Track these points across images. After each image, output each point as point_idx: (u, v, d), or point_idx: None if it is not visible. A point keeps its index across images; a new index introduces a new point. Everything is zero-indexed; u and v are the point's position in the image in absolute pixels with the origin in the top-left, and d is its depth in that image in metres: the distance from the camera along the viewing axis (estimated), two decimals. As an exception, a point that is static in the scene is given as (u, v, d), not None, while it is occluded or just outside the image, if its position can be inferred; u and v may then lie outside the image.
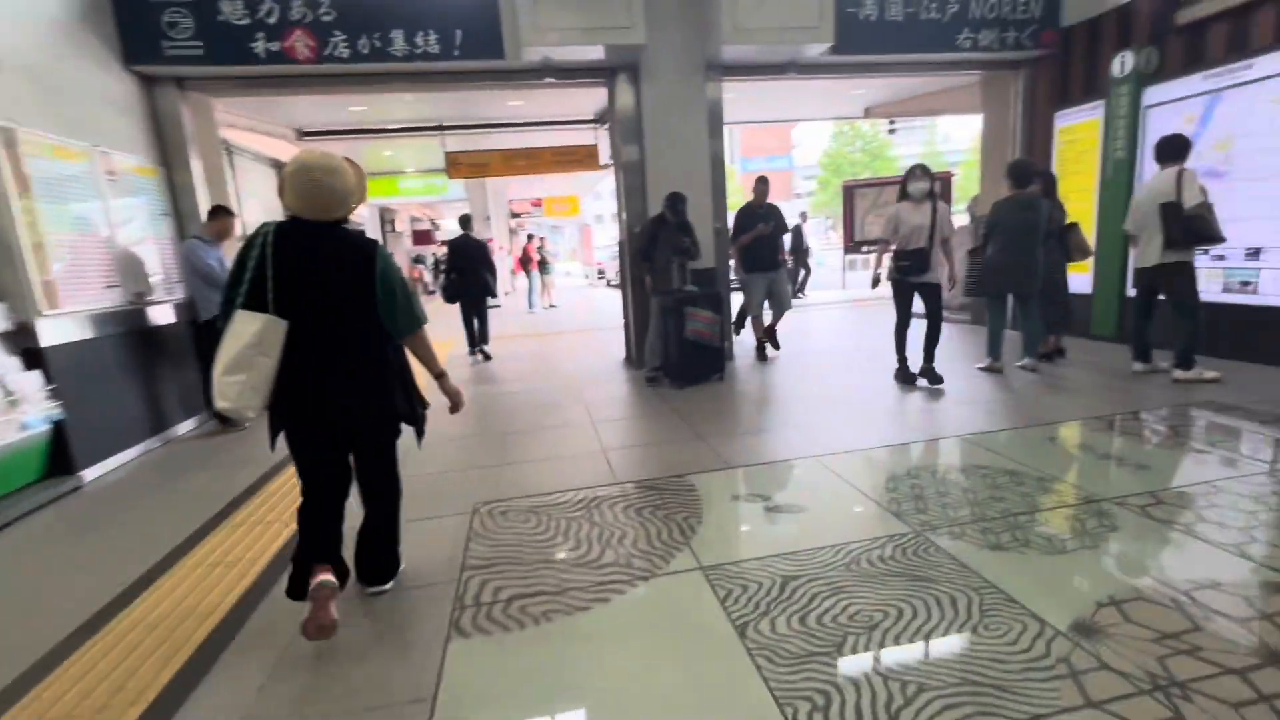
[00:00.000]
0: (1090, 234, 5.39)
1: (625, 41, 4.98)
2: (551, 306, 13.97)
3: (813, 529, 2.54)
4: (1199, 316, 4.26)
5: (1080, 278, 5.68)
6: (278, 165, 12.87)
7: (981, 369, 5.03)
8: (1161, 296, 4.40)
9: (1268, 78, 4.44)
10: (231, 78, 5.09)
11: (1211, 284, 4.81)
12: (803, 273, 12.62)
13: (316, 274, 1.88)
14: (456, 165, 9.55)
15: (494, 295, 7.57)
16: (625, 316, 6.39)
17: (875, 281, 4.93)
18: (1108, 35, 5.73)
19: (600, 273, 23.83)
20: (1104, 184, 5.66)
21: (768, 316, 6.01)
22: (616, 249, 23.46)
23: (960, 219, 10.47)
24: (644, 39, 5.01)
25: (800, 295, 12.18)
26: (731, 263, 6.05)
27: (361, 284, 1.93)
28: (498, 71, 5.49)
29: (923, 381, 4.69)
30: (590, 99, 8.84)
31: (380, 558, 2.23)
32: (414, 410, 2.16)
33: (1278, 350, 4.51)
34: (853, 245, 13.30)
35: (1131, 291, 5.36)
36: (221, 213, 4.75)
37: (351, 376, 1.96)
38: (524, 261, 13.42)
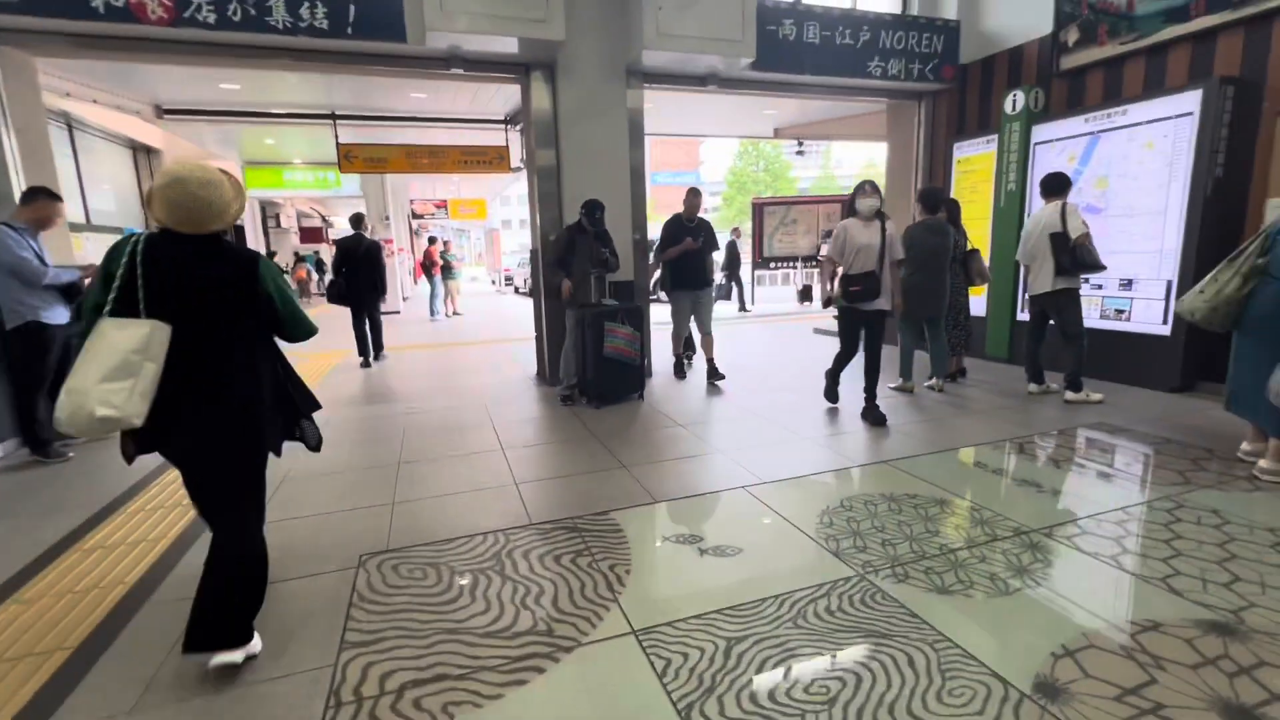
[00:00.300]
0: (986, 260, 5.67)
1: (541, 35, 4.64)
2: (456, 314, 13.20)
3: (753, 575, 2.31)
4: (1084, 342, 4.54)
5: (976, 301, 5.97)
6: (136, 147, 11.35)
7: (893, 389, 5.12)
8: (1051, 322, 4.67)
9: (1139, 124, 4.85)
10: (61, 34, 4.22)
11: (1091, 311, 5.18)
12: (735, 288, 12.53)
13: (191, 286, 1.80)
14: (350, 159, 8.73)
15: (382, 298, 7.41)
16: (538, 329, 6.00)
17: (826, 302, 4.60)
18: (1000, 74, 6.11)
19: (508, 279, 23.05)
20: (997, 213, 6.00)
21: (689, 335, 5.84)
22: (527, 256, 22.71)
23: None
24: (562, 35, 4.69)
25: (745, 311, 12.12)
26: (655, 276, 5.84)
27: (240, 298, 1.86)
28: (398, 57, 4.96)
29: (860, 423, 4.23)
30: (502, 98, 8.40)
31: (237, 617, 1.85)
32: (298, 418, 2.11)
33: (1147, 373, 4.91)
34: (761, 261, 13.64)
35: (1023, 316, 5.71)
36: (40, 195, 3.88)
37: (219, 389, 1.86)
38: (426, 266, 12.57)
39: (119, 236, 10.79)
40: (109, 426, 1.67)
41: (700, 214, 5.43)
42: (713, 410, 4.74)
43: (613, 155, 5.46)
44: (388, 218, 13.77)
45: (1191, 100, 4.49)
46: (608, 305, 4.86)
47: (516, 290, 22.89)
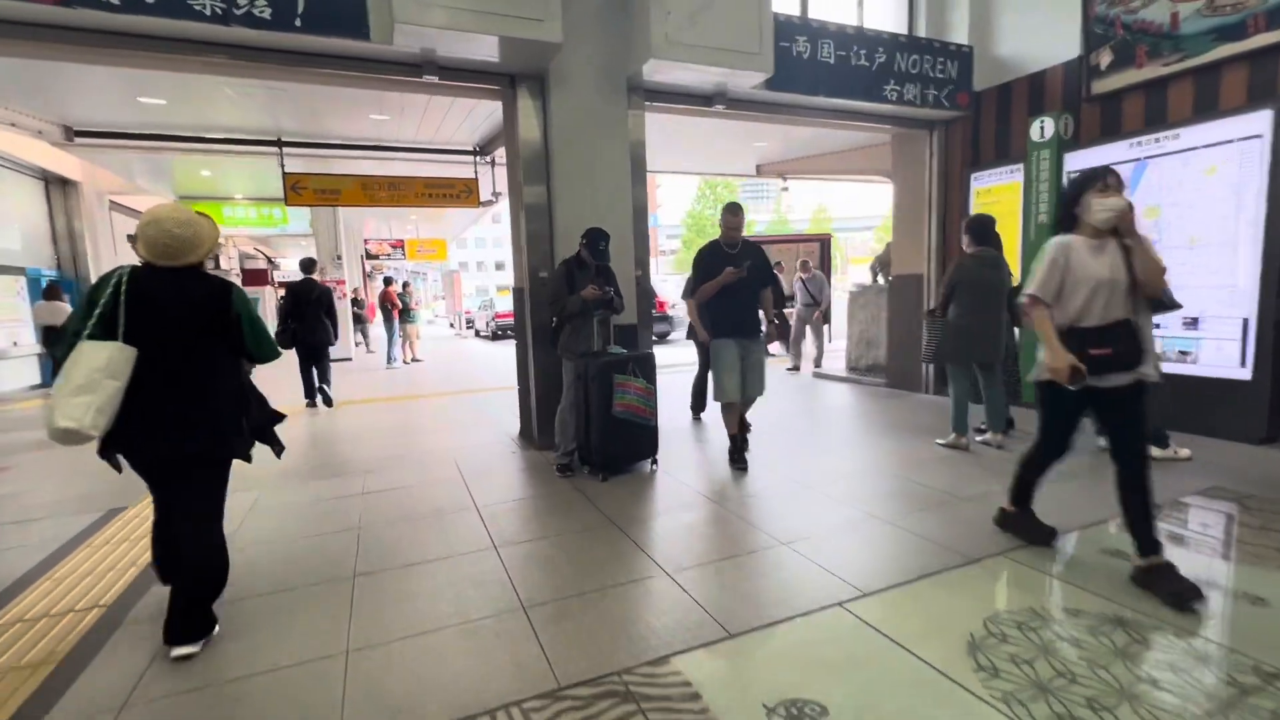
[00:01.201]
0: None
1: (535, 36, 3.91)
2: (415, 360, 12.09)
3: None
4: (1164, 390, 3.95)
5: None
6: (50, 179, 10.07)
7: (943, 445, 4.42)
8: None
9: (1195, 148, 4.43)
10: (-93, 14, 3.26)
11: (1149, 352, 4.64)
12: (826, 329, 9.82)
13: (168, 312, 2.04)
14: (299, 190, 7.76)
15: (331, 344, 7.09)
16: (522, 381, 5.09)
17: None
18: (1019, 100, 5.72)
19: (469, 322, 21.98)
20: (1027, 247, 5.51)
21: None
22: (490, 298, 21.75)
23: (861, 278, 10.51)
24: (559, 37, 3.97)
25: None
26: (676, 321, 4.96)
27: (213, 321, 2.11)
28: (358, 60, 4.15)
29: (940, 498, 3.50)
30: (470, 126, 7.65)
31: (194, 610, 2.14)
32: (264, 430, 2.33)
33: (1224, 422, 4.36)
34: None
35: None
36: None
37: (195, 404, 2.08)
38: (384, 308, 11.48)
39: (15, 279, 9.47)
40: (71, 438, 1.88)
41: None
42: (749, 480, 3.91)
43: (613, 185, 4.72)
44: (340, 257, 12.68)
45: (1261, 122, 4.07)
46: (614, 354, 4.03)
47: (478, 334, 21.85)
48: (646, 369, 4.06)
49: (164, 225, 2.03)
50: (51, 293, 8.83)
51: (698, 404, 5.72)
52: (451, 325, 27.33)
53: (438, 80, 4.33)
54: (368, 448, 5.07)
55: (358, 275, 17.64)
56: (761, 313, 4.17)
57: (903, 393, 6.66)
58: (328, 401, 7.01)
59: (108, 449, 2.04)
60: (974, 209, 6.05)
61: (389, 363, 11.39)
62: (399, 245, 18.34)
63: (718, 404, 4.15)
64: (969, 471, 3.88)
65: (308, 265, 7.50)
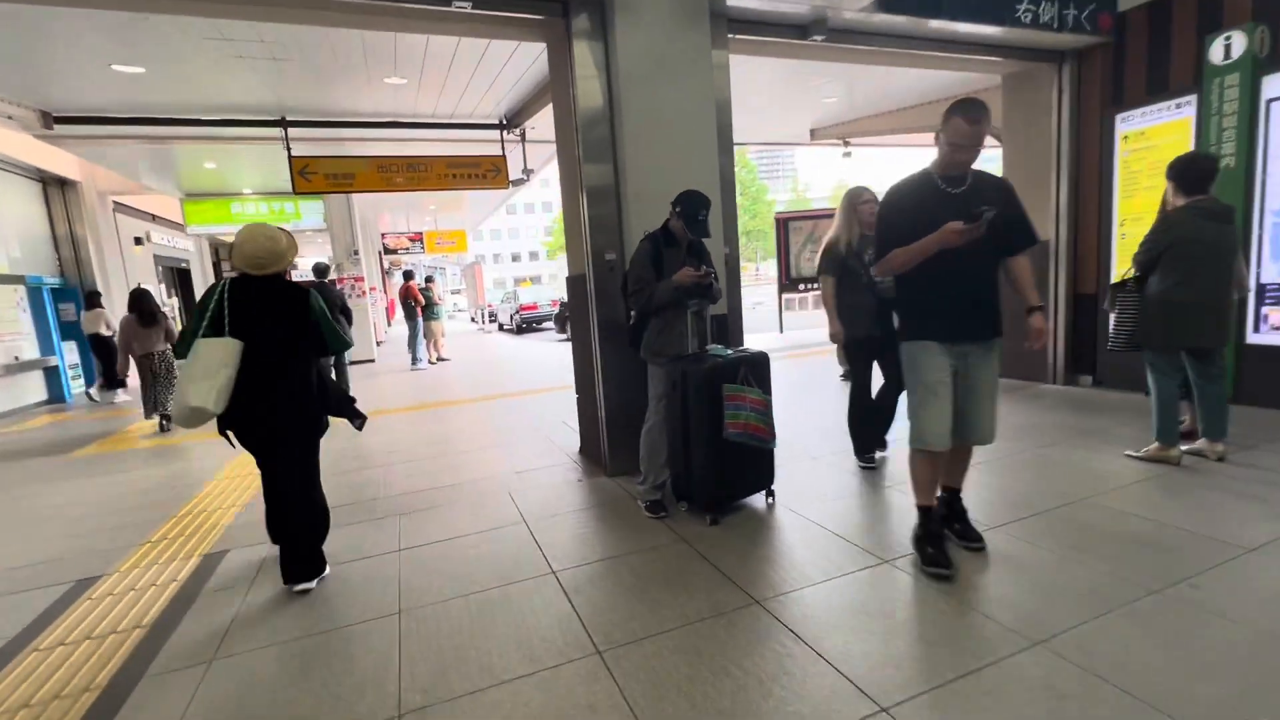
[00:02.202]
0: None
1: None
2: (441, 360, 11.25)
3: None
4: None
5: None
6: (47, 179, 9.38)
7: (1140, 458, 3.40)
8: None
9: None
10: None
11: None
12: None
13: (261, 313, 2.47)
14: (307, 176, 6.87)
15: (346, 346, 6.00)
16: (586, 389, 4.16)
17: None
18: (1183, 19, 4.58)
19: (492, 315, 21.17)
20: (1201, 201, 4.40)
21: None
22: (513, 290, 20.97)
23: None
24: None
25: None
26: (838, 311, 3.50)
27: (296, 319, 2.53)
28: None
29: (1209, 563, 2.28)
30: (495, 96, 6.69)
31: (309, 554, 2.64)
32: (342, 406, 2.78)
33: None
34: (789, 283, 12.11)
35: (1262, 337, 4.09)
36: None
37: (286, 388, 2.52)
38: (406, 305, 10.62)
39: (15, 288, 8.75)
40: (198, 415, 2.33)
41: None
42: (899, 521, 2.92)
43: (694, 138, 3.72)
44: (357, 252, 11.86)
45: None
46: (718, 356, 3.06)
47: (501, 327, 21.03)
48: (761, 375, 3.08)
49: (256, 240, 2.47)
50: (92, 301, 9.13)
51: (866, 442, 3.70)
52: (473, 319, 26.57)
53: (470, 8, 3.36)
54: (400, 475, 4.18)
55: (376, 272, 16.87)
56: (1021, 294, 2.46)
57: (1016, 382, 5.59)
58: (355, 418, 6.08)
59: (223, 427, 2.50)
60: (1119, 158, 4.94)
61: (414, 364, 10.56)
62: (417, 238, 17.51)
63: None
64: (1218, 501, 2.85)
65: (321, 271, 7.80)
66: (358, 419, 2.81)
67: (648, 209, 3.49)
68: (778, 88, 6.91)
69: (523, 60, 5.59)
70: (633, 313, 3.26)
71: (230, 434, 2.53)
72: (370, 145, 7.66)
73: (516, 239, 66.60)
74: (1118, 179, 4.94)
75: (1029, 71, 5.31)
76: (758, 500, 3.24)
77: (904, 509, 2.97)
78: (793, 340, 10.29)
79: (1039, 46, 5.02)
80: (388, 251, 17.55)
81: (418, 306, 10.62)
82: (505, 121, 7.28)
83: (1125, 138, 4.89)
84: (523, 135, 7.26)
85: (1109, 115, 4.96)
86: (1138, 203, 4.82)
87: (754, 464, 3.12)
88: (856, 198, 3.51)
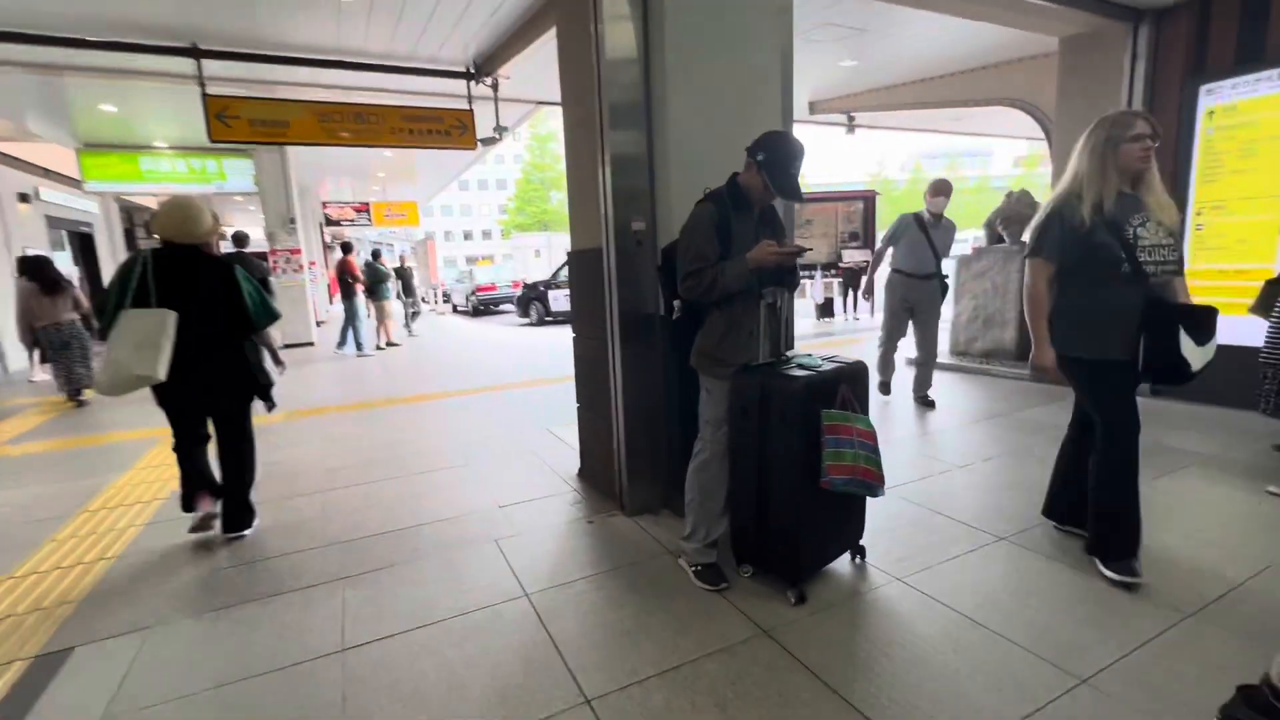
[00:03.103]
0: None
1: None
2: (390, 345, 10.00)
3: None
4: None
5: (1242, 323, 3.54)
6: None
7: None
8: None
9: None
10: None
11: None
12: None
13: (186, 283, 2.56)
14: (226, 120, 5.60)
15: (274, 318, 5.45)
16: (597, 400, 3.23)
17: None
18: (1288, -26, 3.95)
19: (446, 296, 19.74)
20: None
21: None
22: (467, 270, 19.58)
23: (975, 238, 8.83)
24: None
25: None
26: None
27: (220, 291, 2.62)
28: None
29: None
30: (464, 35, 5.58)
31: (238, 507, 2.82)
32: (262, 382, 2.79)
33: None
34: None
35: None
36: None
37: (212, 359, 2.64)
38: (343, 283, 9.30)
39: None
40: (141, 383, 2.43)
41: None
42: (1068, 589, 2.15)
43: (757, 97, 2.80)
44: (293, 221, 10.41)
45: None
46: (809, 367, 2.18)
47: (455, 309, 19.66)
48: (861, 394, 2.24)
49: (176, 203, 2.63)
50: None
51: (1067, 507, 2.52)
52: (423, 299, 24.92)
53: None
54: (343, 509, 3.16)
55: (316, 244, 15.23)
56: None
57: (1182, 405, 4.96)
58: (266, 400, 5.01)
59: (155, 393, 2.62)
60: (1199, 135, 4.31)
61: (359, 350, 9.30)
62: (364, 209, 15.92)
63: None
64: None
65: (240, 238, 7.26)
66: (269, 402, 2.86)
67: (687, 163, 2.58)
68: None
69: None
70: (677, 303, 2.37)
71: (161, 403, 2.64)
72: (308, 90, 6.40)
73: (469, 216, 63.91)
74: (1197, 160, 4.32)
75: (1097, 32, 4.62)
76: (843, 562, 2.41)
77: (1078, 590, 2.19)
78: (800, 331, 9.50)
79: (1113, 4, 4.32)
80: (329, 223, 15.89)
81: (356, 285, 9.33)
82: (475, 69, 6.15)
83: (1211, 113, 4.25)
84: (495, 87, 6.15)
85: (1191, 86, 4.31)
86: (1220, 188, 4.22)
87: (848, 514, 2.28)
88: (1121, 129, 2.07)
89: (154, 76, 6.19)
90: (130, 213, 14.15)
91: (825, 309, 11.13)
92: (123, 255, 14.60)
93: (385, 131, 6.17)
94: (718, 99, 2.70)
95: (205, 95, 5.42)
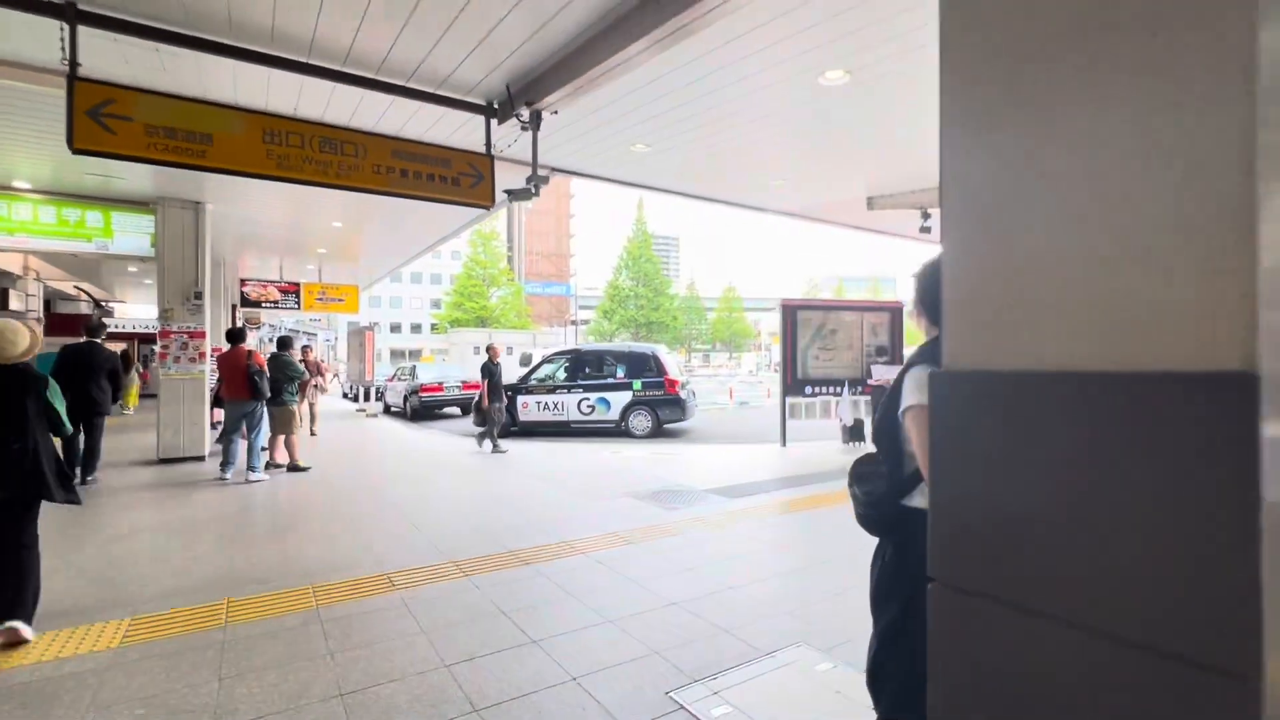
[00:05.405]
0: None
1: None
2: (294, 470, 7.18)
3: None
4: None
5: None
6: None
7: None
8: None
9: None
10: None
11: None
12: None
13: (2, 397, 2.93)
14: (104, 121, 3.45)
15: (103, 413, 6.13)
16: None
17: None
18: None
19: (378, 393, 16.88)
20: None
21: None
22: (409, 366, 16.65)
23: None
24: None
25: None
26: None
27: (32, 401, 2.99)
28: None
29: None
30: (489, 52, 3.90)
31: (16, 596, 2.93)
32: (65, 481, 3.12)
33: None
34: (794, 385, 9.90)
35: None
36: None
37: (19, 456, 2.91)
38: (251, 382, 6.61)
39: None
40: None
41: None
42: None
43: None
44: (199, 295, 7.88)
45: None
46: None
47: (388, 409, 16.75)
48: None
49: (2, 334, 2.95)
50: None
51: None
52: (349, 396, 21.58)
53: None
54: None
55: (224, 328, 12.45)
56: None
57: None
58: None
59: None
60: None
61: (250, 473, 6.55)
62: (292, 289, 13.41)
63: None
64: None
65: (94, 328, 6.67)
66: (72, 496, 3.13)
67: None
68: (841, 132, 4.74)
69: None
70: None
71: None
72: (251, 88, 4.42)
73: (398, 308, 61.00)
74: None
75: None
76: None
77: None
78: (798, 463, 7.76)
79: None
80: (246, 303, 13.24)
81: (262, 382, 6.73)
82: (507, 97, 4.38)
83: None
84: (536, 122, 4.37)
85: None
86: None
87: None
88: None
89: (10, 69, 4.09)
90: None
91: (855, 431, 9.58)
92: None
93: (365, 170, 4.18)
94: None
95: (73, 78, 3.30)
